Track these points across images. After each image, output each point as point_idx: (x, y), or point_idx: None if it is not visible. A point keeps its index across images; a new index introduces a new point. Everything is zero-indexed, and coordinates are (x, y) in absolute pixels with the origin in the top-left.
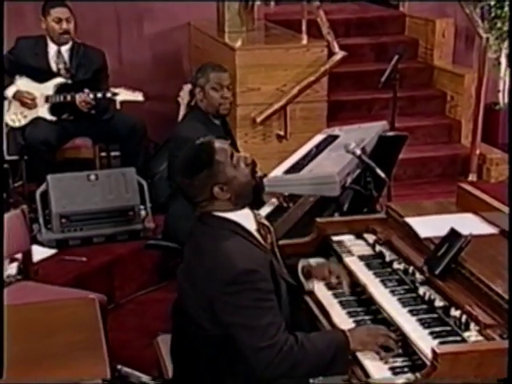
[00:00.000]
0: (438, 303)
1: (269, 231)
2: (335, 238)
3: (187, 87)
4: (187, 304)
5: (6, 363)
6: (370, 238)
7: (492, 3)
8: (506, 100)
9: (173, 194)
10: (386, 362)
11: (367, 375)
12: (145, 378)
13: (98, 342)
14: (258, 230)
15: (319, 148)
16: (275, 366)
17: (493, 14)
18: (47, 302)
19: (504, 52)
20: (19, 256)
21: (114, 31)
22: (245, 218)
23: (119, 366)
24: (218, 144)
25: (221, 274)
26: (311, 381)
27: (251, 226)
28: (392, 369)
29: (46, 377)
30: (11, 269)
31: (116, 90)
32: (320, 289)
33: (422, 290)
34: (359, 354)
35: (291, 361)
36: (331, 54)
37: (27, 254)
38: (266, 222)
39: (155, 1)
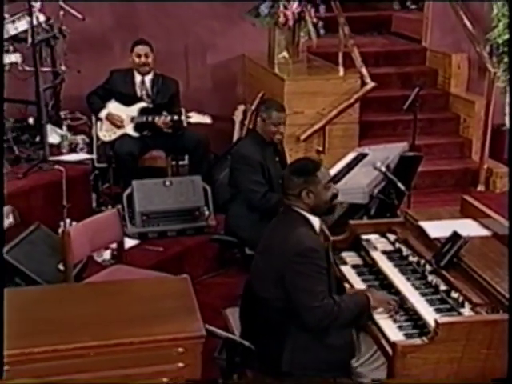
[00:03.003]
0: (442, 287)
1: (327, 238)
2: (364, 237)
3: (241, 108)
4: (258, 275)
5: (130, 321)
6: (392, 237)
7: (500, 41)
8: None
9: (232, 198)
10: (395, 321)
11: (381, 331)
12: (225, 333)
13: (193, 307)
14: (320, 233)
15: (352, 164)
16: (321, 321)
17: (500, 51)
18: (153, 278)
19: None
20: (113, 245)
21: (183, 62)
22: (314, 221)
23: (206, 325)
24: (323, 167)
25: (292, 247)
26: (354, 364)
27: (317, 228)
28: (399, 327)
29: (160, 330)
30: (106, 255)
31: (189, 114)
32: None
33: (430, 278)
34: (375, 316)
35: (332, 317)
36: (363, 83)
37: (120, 244)
38: (326, 231)
39: (165, 1)
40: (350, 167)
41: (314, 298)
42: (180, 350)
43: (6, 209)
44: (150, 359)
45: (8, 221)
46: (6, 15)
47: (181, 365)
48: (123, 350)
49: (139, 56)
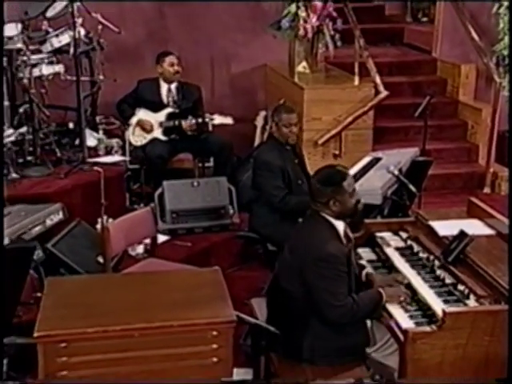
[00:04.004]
0: (449, 281)
1: (350, 240)
2: (378, 234)
3: (262, 113)
4: (285, 270)
5: (170, 306)
6: (404, 234)
7: (506, 53)
8: None
9: (255, 199)
10: (407, 311)
11: (394, 320)
12: (253, 320)
13: (225, 295)
14: (344, 237)
15: (367, 168)
16: (342, 318)
17: (506, 62)
18: (188, 270)
19: None
20: (146, 240)
21: (209, 71)
22: (339, 225)
23: (236, 312)
24: (349, 177)
25: (315, 252)
26: (369, 351)
27: (341, 232)
28: (411, 317)
29: (196, 315)
30: (139, 249)
31: (213, 116)
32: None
33: (438, 272)
34: (388, 306)
35: (351, 314)
36: (377, 92)
37: (153, 239)
38: (350, 234)
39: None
40: (365, 170)
41: (335, 299)
42: (214, 333)
43: (57, 206)
44: (188, 340)
45: (58, 217)
46: (50, 29)
47: (215, 346)
48: (164, 332)
49: (173, 65)
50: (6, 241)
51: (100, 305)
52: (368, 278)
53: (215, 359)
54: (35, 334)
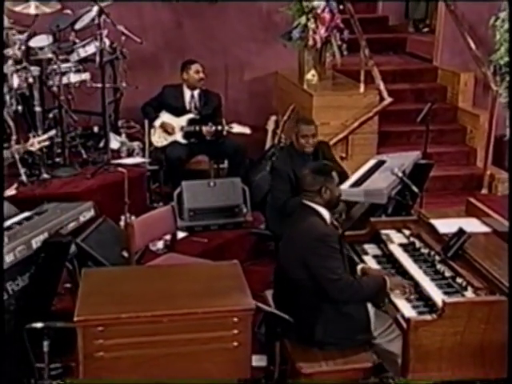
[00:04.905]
0: (449, 274)
1: (337, 228)
2: (383, 232)
3: (273, 118)
4: (286, 261)
5: (194, 295)
6: (407, 232)
7: (502, 63)
8: None
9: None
10: (409, 301)
11: (398, 309)
12: (269, 308)
13: (244, 286)
14: (330, 224)
15: (372, 170)
16: (342, 291)
17: (502, 71)
18: (210, 263)
19: None
20: (166, 236)
21: (223, 78)
22: (325, 214)
23: (254, 302)
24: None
25: (310, 234)
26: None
27: (327, 220)
28: (413, 307)
29: (219, 303)
30: (159, 244)
31: (232, 125)
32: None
33: (438, 266)
34: (392, 296)
35: (352, 290)
36: (382, 98)
37: (174, 235)
38: (335, 223)
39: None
40: (371, 172)
41: (332, 273)
42: (235, 319)
43: (89, 204)
44: (211, 326)
45: (90, 214)
46: (77, 40)
47: (235, 331)
48: (189, 319)
49: (198, 72)
50: (46, 235)
51: (131, 293)
52: (363, 272)
53: (236, 343)
54: (75, 319)
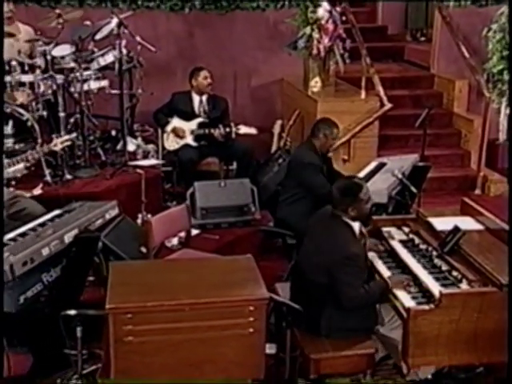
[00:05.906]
0: (445, 268)
1: (364, 236)
2: (384, 229)
3: (279, 122)
4: (308, 263)
5: (213, 286)
6: (406, 229)
7: (494, 71)
8: (504, 137)
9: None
10: (409, 293)
11: (399, 300)
12: (282, 299)
13: (258, 278)
14: (359, 234)
15: (374, 171)
16: (356, 305)
17: (495, 78)
18: (225, 257)
19: (503, 104)
20: (180, 233)
21: (232, 84)
22: (355, 226)
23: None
24: (365, 187)
25: (341, 251)
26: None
27: (356, 231)
28: (413, 298)
29: (236, 293)
30: (174, 241)
31: (239, 127)
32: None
33: (436, 261)
34: (394, 290)
35: (364, 301)
36: (382, 104)
37: (188, 232)
38: (363, 230)
39: None
40: (372, 174)
41: (353, 291)
42: (251, 308)
43: (113, 203)
44: (229, 314)
45: (115, 212)
46: (96, 49)
47: (251, 319)
48: (209, 307)
49: (206, 78)
50: (76, 231)
51: (156, 284)
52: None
53: (251, 330)
54: (107, 307)
